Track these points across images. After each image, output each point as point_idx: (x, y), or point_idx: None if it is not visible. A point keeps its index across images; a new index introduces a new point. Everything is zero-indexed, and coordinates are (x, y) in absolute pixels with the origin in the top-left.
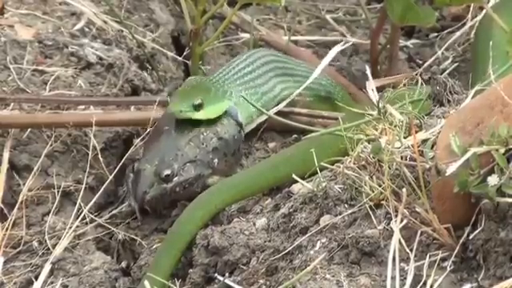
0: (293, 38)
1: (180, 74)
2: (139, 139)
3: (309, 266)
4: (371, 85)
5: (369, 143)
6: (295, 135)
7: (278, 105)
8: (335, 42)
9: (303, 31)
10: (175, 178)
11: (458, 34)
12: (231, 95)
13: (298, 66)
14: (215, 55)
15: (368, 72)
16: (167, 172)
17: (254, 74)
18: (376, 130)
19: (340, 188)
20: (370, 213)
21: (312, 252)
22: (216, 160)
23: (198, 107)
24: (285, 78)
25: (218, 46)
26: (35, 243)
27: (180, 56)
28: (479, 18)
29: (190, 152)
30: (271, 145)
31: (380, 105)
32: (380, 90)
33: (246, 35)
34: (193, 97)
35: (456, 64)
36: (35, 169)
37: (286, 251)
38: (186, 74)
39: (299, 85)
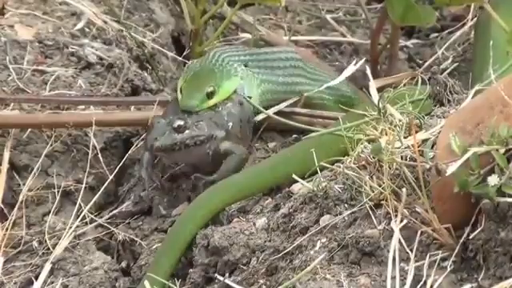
0: (293, 37)
1: (180, 74)
2: (139, 139)
3: (309, 265)
4: (373, 85)
5: (369, 143)
6: (295, 135)
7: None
8: (335, 42)
9: (303, 31)
10: (187, 131)
11: (458, 33)
12: (236, 71)
13: (315, 70)
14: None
15: (368, 72)
16: (180, 122)
17: (257, 56)
18: (376, 130)
19: (340, 188)
20: (370, 213)
21: (312, 252)
22: (231, 123)
23: (211, 95)
24: (300, 73)
25: (218, 46)
26: (35, 243)
27: (180, 56)
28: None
29: (206, 113)
30: (271, 144)
31: (380, 105)
32: (380, 89)
33: (247, 35)
34: (203, 86)
35: (456, 64)
36: (35, 169)
37: (286, 251)
38: None
39: (316, 86)
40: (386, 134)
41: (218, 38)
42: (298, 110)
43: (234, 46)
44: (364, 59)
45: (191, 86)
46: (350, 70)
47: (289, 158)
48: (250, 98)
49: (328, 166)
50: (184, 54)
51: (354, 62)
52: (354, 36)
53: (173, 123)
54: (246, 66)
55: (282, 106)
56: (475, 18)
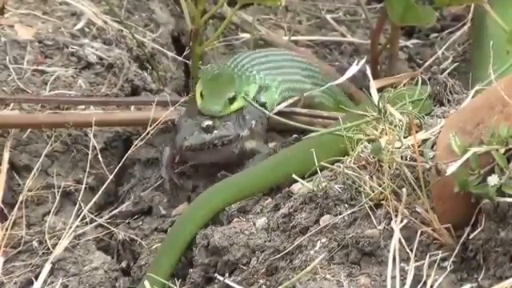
0: (293, 37)
1: (180, 74)
2: (139, 139)
3: (309, 265)
4: (373, 85)
5: (369, 143)
6: (295, 135)
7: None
8: (335, 42)
9: (303, 31)
10: (215, 131)
11: (458, 34)
12: (255, 78)
13: (317, 71)
14: (215, 55)
15: (368, 72)
16: (208, 123)
17: (274, 63)
18: (376, 130)
19: (340, 188)
20: (370, 213)
21: (312, 252)
22: (253, 122)
23: (232, 100)
24: (308, 74)
25: (218, 46)
26: (35, 243)
27: (180, 56)
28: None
29: (231, 114)
30: (271, 144)
31: (380, 105)
32: (380, 90)
33: (246, 35)
34: (224, 92)
35: (456, 64)
36: (35, 169)
37: (286, 251)
38: (186, 74)
39: (318, 86)
40: (386, 134)
41: (218, 38)
42: (297, 110)
43: (251, 51)
44: (364, 59)
45: (212, 90)
46: (353, 70)
47: (289, 157)
48: (265, 103)
49: (328, 165)
50: (184, 53)
51: (356, 62)
52: (354, 36)
53: (201, 123)
54: (262, 71)
55: (281, 107)
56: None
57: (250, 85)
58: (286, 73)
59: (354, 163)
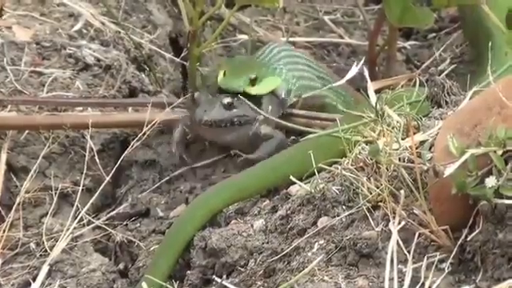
0: (291, 39)
1: (177, 76)
2: (136, 140)
3: (307, 267)
4: (370, 87)
5: (367, 145)
6: (293, 137)
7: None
8: (333, 44)
9: (301, 32)
10: (235, 109)
11: (455, 35)
12: (281, 72)
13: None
14: (213, 57)
15: (366, 73)
16: (228, 100)
17: (290, 58)
18: (374, 131)
19: (338, 189)
20: (368, 214)
21: (310, 254)
22: (270, 107)
23: (253, 81)
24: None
25: (215, 48)
26: (33, 245)
27: (178, 57)
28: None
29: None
30: None
31: (378, 106)
32: (378, 91)
33: (244, 37)
34: (247, 72)
35: (454, 65)
36: (33, 170)
37: (284, 253)
38: (183, 76)
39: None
40: (384, 136)
41: (215, 39)
42: (295, 111)
43: (279, 45)
44: (362, 61)
45: (235, 69)
46: (353, 71)
47: (287, 159)
48: (286, 100)
49: (326, 167)
50: (182, 55)
51: (355, 63)
52: (352, 37)
53: (222, 100)
54: (285, 65)
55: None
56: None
57: (274, 75)
58: (300, 69)
59: (352, 165)
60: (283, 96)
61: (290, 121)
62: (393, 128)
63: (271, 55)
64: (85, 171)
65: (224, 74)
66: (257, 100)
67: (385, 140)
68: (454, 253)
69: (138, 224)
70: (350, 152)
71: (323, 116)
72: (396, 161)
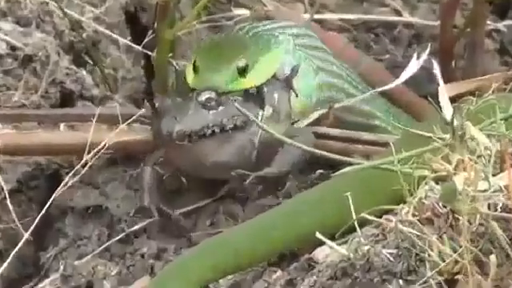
0: (317, 15)
1: (138, 73)
2: (72, 174)
3: None
4: (443, 92)
5: (437, 184)
6: (320, 170)
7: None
8: (384, 24)
9: (333, 6)
10: (220, 108)
11: None
12: (279, 42)
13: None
14: (194, 42)
15: (436, 70)
16: (208, 95)
17: (308, 39)
18: (449, 162)
19: (391, 254)
20: None
21: None
22: (276, 96)
23: (243, 71)
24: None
25: (198, 29)
26: None
27: (138, 44)
28: None
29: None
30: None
31: (455, 123)
32: (455, 98)
33: (243, 11)
34: (231, 58)
35: None
36: None
37: None
38: (147, 73)
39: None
40: (465, 170)
41: (199, 16)
42: (324, 130)
43: (276, 20)
44: (429, 50)
45: (212, 60)
46: (413, 68)
47: (310, 206)
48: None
49: (372, 218)
50: (144, 41)
51: (416, 55)
52: (415, 14)
53: (198, 97)
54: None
55: (302, 124)
56: None
57: (270, 50)
58: (322, 58)
59: (414, 215)
60: (287, 73)
61: (314, 145)
62: (479, 157)
63: (269, 27)
64: None
65: (195, 68)
66: (253, 93)
67: (466, 176)
68: None
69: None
70: (411, 195)
71: (368, 138)
72: (484, 209)
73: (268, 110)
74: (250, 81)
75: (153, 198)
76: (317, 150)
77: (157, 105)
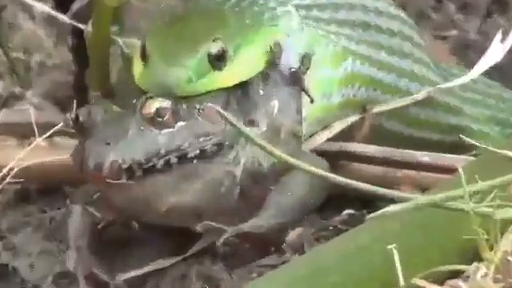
0: None
1: (63, 57)
2: None
3: None
4: None
5: None
6: (349, 210)
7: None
8: None
9: None
10: (180, 123)
11: None
12: (276, 17)
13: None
14: (151, 11)
15: None
16: (163, 104)
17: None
18: None
19: None
20: None
21: None
22: (275, 101)
23: (217, 60)
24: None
25: None
26: None
27: (63, 12)
28: None
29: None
30: (298, 230)
31: None
32: None
33: None
34: (200, 38)
35: None
36: None
37: None
38: (77, 57)
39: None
40: None
41: None
42: (356, 147)
43: None
44: None
45: (170, 41)
46: (494, 53)
47: (338, 262)
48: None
49: (430, 286)
50: (74, 7)
51: (501, 32)
52: None
53: (144, 107)
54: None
55: (320, 140)
56: None
57: (260, 29)
58: (359, 39)
59: (496, 280)
60: (293, 66)
61: (339, 170)
62: None
63: None
64: None
65: (144, 56)
66: (239, 92)
67: None
68: None
69: None
70: (491, 248)
71: (424, 159)
72: None
73: (261, 125)
74: (230, 76)
75: (82, 255)
76: (342, 178)
77: (81, 118)
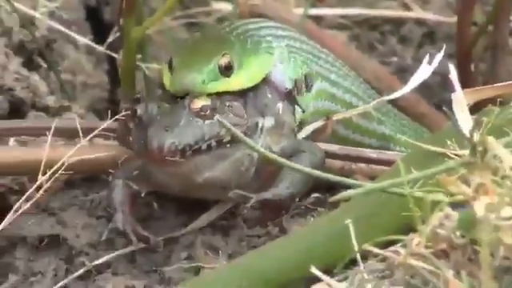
0: (313, 10)
1: (101, 78)
2: (23, 200)
3: None
4: (461, 100)
5: (454, 210)
6: (316, 194)
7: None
8: (391, 21)
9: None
10: (216, 116)
11: None
12: (271, 47)
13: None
14: (166, 43)
15: (453, 75)
16: (204, 102)
17: (303, 44)
18: (467, 184)
19: None
20: None
21: None
22: (280, 105)
23: (225, 70)
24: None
25: (171, 27)
26: None
27: (101, 43)
28: None
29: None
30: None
31: (475, 137)
32: (475, 108)
33: (224, 6)
34: (211, 53)
35: None
36: None
37: None
38: (111, 78)
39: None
40: (487, 194)
41: (170, 10)
42: (324, 146)
43: (267, 21)
44: (443, 51)
45: (189, 55)
46: (426, 72)
47: (304, 236)
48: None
49: (377, 251)
50: (108, 40)
51: (427, 57)
52: (427, 9)
53: (189, 104)
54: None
55: (310, 128)
56: None
57: (258, 53)
58: (320, 63)
59: (427, 247)
60: (286, 86)
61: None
62: (503, 179)
63: (256, 26)
64: None
65: (170, 67)
66: (253, 95)
67: (488, 201)
68: None
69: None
70: (423, 223)
71: (372, 155)
72: (508, 240)
73: (270, 121)
74: (235, 82)
75: (127, 217)
76: (315, 171)
77: (139, 111)
